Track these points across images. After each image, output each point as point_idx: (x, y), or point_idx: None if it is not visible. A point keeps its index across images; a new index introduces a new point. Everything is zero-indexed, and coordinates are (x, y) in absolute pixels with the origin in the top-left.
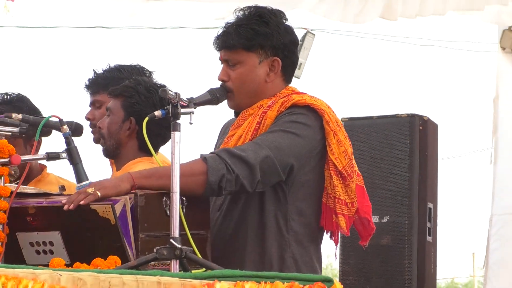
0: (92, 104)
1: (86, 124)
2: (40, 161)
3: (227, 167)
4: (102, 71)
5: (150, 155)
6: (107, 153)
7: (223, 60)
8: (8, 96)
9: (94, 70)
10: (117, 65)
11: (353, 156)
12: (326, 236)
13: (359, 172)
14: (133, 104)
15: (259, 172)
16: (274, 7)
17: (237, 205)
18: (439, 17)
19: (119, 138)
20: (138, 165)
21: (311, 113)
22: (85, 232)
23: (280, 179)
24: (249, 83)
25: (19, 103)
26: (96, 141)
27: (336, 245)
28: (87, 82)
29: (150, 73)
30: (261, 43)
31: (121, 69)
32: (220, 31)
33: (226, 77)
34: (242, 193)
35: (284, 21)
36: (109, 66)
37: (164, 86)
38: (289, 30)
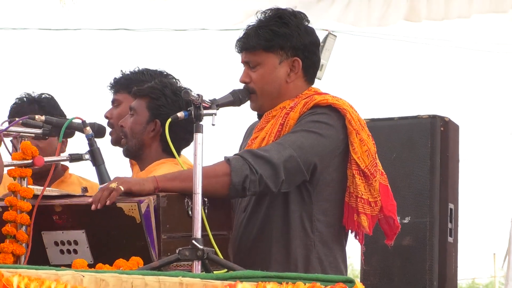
0: (112, 102)
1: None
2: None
3: (250, 168)
4: (128, 72)
5: (174, 156)
6: (128, 153)
7: (244, 62)
8: (35, 96)
9: (121, 70)
10: (143, 69)
11: (376, 155)
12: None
13: (383, 171)
14: (159, 106)
15: (283, 171)
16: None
17: (261, 206)
18: (460, 18)
19: (142, 139)
20: (162, 166)
21: (333, 113)
22: (109, 230)
23: (304, 178)
24: (270, 84)
25: (46, 103)
26: (114, 141)
27: (362, 244)
28: (111, 81)
29: (176, 80)
30: (280, 44)
31: (144, 72)
32: (241, 33)
33: (247, 78)
34: (266, 193)
35: (305, 22)
36: (137, 69)
37: (189, 89)
38: (310, 31)
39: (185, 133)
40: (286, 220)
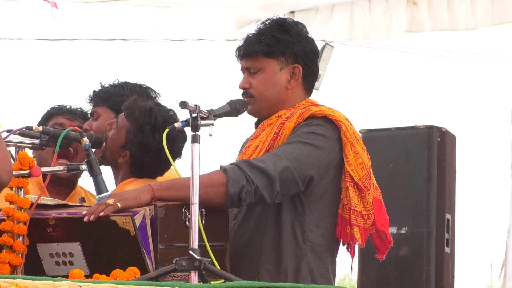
0: (91, 115)
1: None
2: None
3: (247, 178)
4: (107, 85)
5: (145, 177)
6: (102, 161)
7: (244, 68)
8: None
9: (100, 83)
10: (123, 82)
11: (371, 169)
12: (343, 248)
13: (377, 185)
14: (133, 142)
15: (278, 183)
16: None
17: (253, 214)
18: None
19: (114, 158)
20: (128, 186)
21: (328, 124)
22: (105, 243)
23: (298, 190)
24: (270, 89)
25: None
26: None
27: (352, 257)
28: (91, 94)
29: (156, 94)
30: (281, 50)
31: (124, 86)
32: (241, 41)
33: (247, 84)
34: (261, 203)
35: (305, 32)
36: (117, 81)
37: (174, 116)
38: (310, 40)
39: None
40: (278, 229)
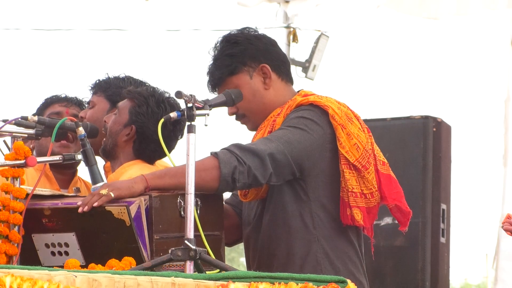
0: (88, 103)
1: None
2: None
3: (238, 159)
4: (111, 76)
5: (147, 161)
6: (103, 152)
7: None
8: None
9: (106, 73)
10: (126, 76)
11: (374, 146)
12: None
13: (384, 160)
14: (139, 113)
15: (270, 163)
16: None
17: (263, 220)
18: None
19: (116, 140)
20: (132, 168)
21: (316, 109)
22: (100, 233)
23: (292, 171)
24: (253, 100)
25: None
26: (101, 152)
27: (371, 237)
28: (93, 82)
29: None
30: (241, 62)
31: (125, 79)
32: (207, 76)
33: (234, 109)
34: (256, 185)
35: (252, 32)
36: (122, 75)
37: (175, 104)
38: (260, 36)
39: (169, 139)
40: (287, 221)
